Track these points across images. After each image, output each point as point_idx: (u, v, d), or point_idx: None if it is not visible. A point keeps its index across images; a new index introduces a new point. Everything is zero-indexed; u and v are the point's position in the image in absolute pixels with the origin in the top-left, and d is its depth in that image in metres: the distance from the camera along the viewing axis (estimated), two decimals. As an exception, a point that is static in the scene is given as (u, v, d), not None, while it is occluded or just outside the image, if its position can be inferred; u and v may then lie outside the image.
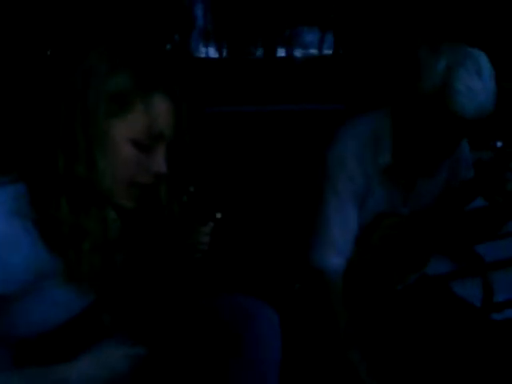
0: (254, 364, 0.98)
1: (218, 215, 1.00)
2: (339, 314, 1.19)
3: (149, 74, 0.79)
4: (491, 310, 1.54)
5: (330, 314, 1.19)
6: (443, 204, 1.24)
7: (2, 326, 0.80)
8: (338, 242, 1.22)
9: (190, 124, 0.86)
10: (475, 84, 1.01)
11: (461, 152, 1.28)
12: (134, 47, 0.82)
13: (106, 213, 0.84)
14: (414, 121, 1.11)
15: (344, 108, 1.47)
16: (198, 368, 1.00)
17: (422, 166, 1.19)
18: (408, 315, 1.31)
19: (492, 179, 1.11)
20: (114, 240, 0.88)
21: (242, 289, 1.21)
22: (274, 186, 1.54)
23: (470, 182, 1.19)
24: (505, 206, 1.15)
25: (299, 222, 1.34)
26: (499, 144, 1.09)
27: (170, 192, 0.91)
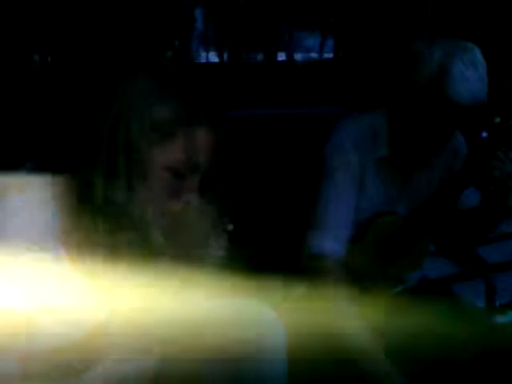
0: (259, 370, 0.97)
1: (230, 227, 0.99)
2: (339, 292, 1.20)
3: (194, 106, 0.79)
4: (494, 313, 1.53)
5: (329, 295, 1.20)
6: (437, 194, 1.24)
7: (20, 341, 0.80)
8: (334, 229, 1.23)
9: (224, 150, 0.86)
10: (470, 72, 1.05)
11: (458, 147, 1.29)
12: (180, 77, 0.82)
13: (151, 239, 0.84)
14: (410, 110, 1.13)
15: (345, 111, 1.48)
16: (202, 373, 1.00)
17: (418, 156, 1.21)
18: (410, 318, 1.31)
19: (480, 167, 1.13)
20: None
21: (245, 291, 1.20)
22: (274, 188, 1.54)
23: (461, 171, 1.20)
24: (497, 195, 1.16)
25: (303, 224, 1.34)
26: (484, 134, 1.12)
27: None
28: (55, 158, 0.82)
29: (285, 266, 1.39)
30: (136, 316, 0.88)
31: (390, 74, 1.24)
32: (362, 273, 1.28)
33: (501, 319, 1.74)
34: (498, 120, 1.11)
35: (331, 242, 1.23)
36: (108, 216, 0.77)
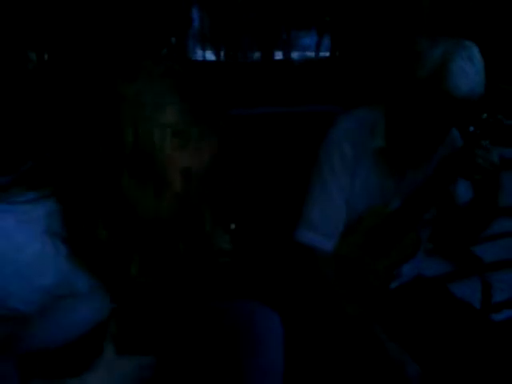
0: (257, 368, 0.98)
1: (233, 226, 0.99)
2: (329, 280, 1.24)
3: (201, 109, 0.80)
4: (490, 311, 1.54)
5: (320, 284, 1.25)
6: (425, 186, 1.25)
7: (17, 341, 0.80)
8: (321, 223, 1.27)
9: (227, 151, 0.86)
10: (468, 67, 1.10)
11: (454, 142, 1.31)
12: (188, 80, 0.82)
13: (177, 244, 0.84)
14: (410, 104, 1.16)
15: (342, 109, 1.49)
16: (201, 373, 1.00)
17: (415, 151, 1.23)
18: (407, 317, 1.31)
19: (464, 156, 1.16)
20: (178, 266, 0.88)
21: (244, 292, 1.21)
22: (272, 187, 1.54)
23: (447, 161, 1.22)
24: (486, 186, 1.19)
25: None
26: (471, 128, 1.17)
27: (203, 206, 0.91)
28: (54, 156, 0.81)
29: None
30: (139, 315, 0.88)
31: (390, 70, 1.26)
32: (353, 263, 1.29)
33: (496, 317, 1.75)
34: (485, 116, 1.15)
35: (315, 234, 1.27)
36: (112, 214, 0.77)
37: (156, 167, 0.77)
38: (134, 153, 0.76)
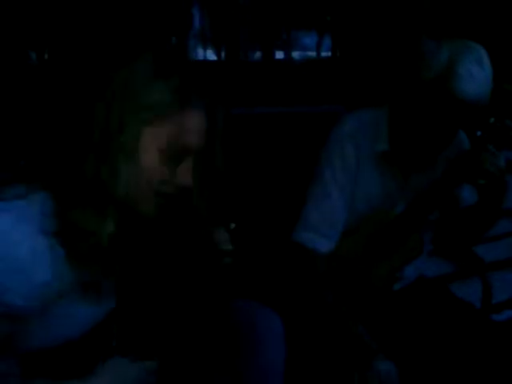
0: (257, 368, 0.97)
1: (232, 225, 0.99)
2: (326, 280, 1.23)
3: (187, 88, 0.79)
4: (491, 311, 1.54)
5: (317, 284, 1.24)
6: (430, 190, 1.24)
7: (17, 340, 0.79)
8: (318, 224, 1.26)
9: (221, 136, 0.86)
10: (476, 71, 1.07)
11: (460, 145, 1.29)
12: (174, 60, 0.82)
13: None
14: (415, 107, 1.15)
15: (343, 109, 1.48)
16: (201, 373, 1.00)
17: (418, 154, 1.21)
18: (407, 317, 1.31)
19: (471, 160, 1.15)
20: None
21: (244, 292, 1.21)
22: (272, 186, 1.54)
23: (453, 165, 1.21)
24: (490, 191, 1.18)
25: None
26: (479, 133, 1.16)
27: (201, 200, 0.90)
28: (49, 153, 0.82)
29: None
30: (140, 315, 0.88)
31: (394, 71, 1.25)
32: (355, 265, 1.28)
33: (497, 318, 1.75)
34: (492, 120, 1.14)
35: (314, 235, 1.26)
36: (100, 201, 0.77)
37: (141, 149, 0.77)
38: (120, 131, 0.76)
